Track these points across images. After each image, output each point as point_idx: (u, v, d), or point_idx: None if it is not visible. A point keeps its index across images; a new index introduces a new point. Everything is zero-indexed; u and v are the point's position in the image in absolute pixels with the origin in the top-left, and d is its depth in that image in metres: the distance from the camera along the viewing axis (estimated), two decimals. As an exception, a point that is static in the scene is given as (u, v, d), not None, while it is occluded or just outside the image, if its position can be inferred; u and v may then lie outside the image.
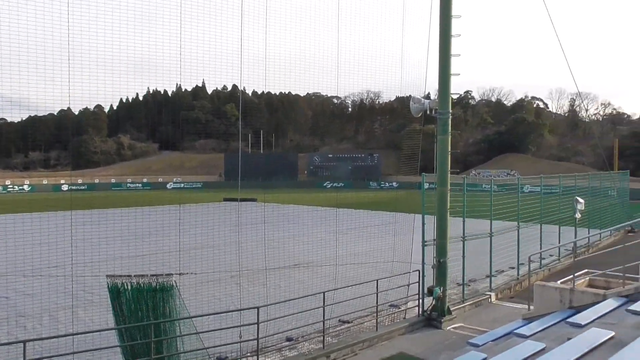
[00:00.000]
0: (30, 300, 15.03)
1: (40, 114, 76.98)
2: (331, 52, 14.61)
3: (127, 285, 10.34)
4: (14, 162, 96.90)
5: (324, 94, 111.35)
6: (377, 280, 12.14)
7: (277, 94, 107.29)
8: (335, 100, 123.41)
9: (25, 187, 76.11)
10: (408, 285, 13.53)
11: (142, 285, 10.38)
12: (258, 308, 9.85)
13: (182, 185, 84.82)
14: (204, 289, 15.57)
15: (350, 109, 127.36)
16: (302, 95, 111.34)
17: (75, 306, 14.15)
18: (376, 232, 27.24)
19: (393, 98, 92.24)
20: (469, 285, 15.85)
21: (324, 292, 11.01)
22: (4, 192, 72.79)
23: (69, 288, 14.57)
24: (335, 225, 24.00)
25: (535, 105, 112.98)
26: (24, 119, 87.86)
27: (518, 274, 17.12)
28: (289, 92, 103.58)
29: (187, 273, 12.74)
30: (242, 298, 14.19)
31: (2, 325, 13.69)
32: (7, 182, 76.14)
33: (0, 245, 17.51)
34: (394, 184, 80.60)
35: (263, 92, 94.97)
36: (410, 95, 13.66)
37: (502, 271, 17.68)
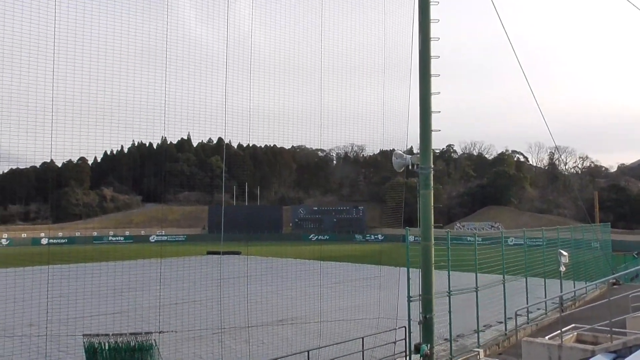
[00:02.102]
0: (0, 361, 14.34)
1: (22, 166, 76.49)
2: (315, 106, 14.92)
3: (104, 344, 9.99)
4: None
5: (309, 146, 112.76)
6: (362, 338, 11.85)
7: (262, 146, 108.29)
8: (320, 153, 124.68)
9: (3, 241, 74.32)
10: (395, 342, 13.23)
11: (119, 344, 10.04)
12: (240, 368, 9.50)
13: (165, 238, 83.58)
14: (185, 347, 15.05)
15: (334, 162, 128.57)
16: (286, 147, 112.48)
17: (48, 367, 13.52)
18: (362, 286, 26.89)
19: (377, 151, 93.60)
20: (457, 341, 15.54)
21: (308, 351, 10.69)
22: (-20, 245, 70.99)
23: (43, 348, 13.97)
24: (320, 279, 23.68)
25: (515, 159, 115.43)
26: (4, 172, 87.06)
27: (506, 329, 16.86)
28: (274, 145, 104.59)
29: (168, 331, 12.35)
30: (224, 356, 13.72)
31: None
32: (-15, 236, 74.45)
33: (-28, 302, 16.87)
34: (379, 236, 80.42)
35: (248, 144, 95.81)
36: (393, 149, 13.86)
37: (490, 326, 17.41)
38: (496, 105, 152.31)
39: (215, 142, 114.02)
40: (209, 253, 50.39)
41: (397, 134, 15.58)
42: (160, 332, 11.52)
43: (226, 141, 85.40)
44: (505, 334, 16.59)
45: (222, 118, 13.12)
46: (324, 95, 14.49)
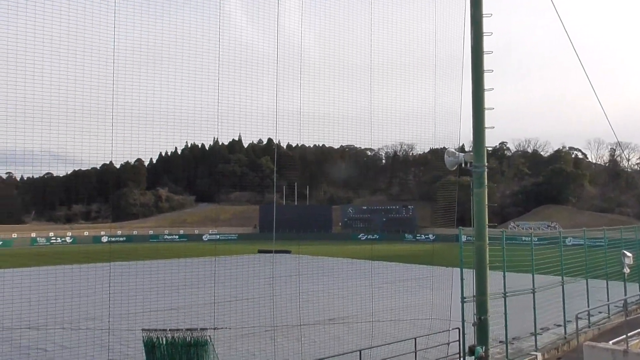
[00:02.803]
0: (68, 352, 15.12)
1: (84, 168, 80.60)
2: (364, 105, 14.87)
3: (162, 339, 10.32)
4: (57, 215, 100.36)
5: (358, 146, 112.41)
6: (415, 339, 11.73)
7: (311, 146, 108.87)
8: (368, 153, 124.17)
9: (68, 238, 78.31)
10: (448, 343, 13.01)
11: (176, 339, 10.35)
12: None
13: (218, 237, 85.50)
14: (239, 343, 15.37)
15: (383, 161, 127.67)
16: (335, 147, 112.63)
17: (110, 359, 14.12)
18: (413, 286, 26.56)
19: (427, 150, 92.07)
20: (512, 343, 15.10)
21: (360, 350, 10.68)
22: (47, 243, 75.02)
23: (105, 341, 14.63)
24: (370, 278, 23.58)
25: (573, 156, 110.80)
26: (68, 173, 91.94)
27: (565, 333, 16.23)
28: (323, 145, 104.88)
29: (222, 328, 12.63)
30: (276, 354, 13.91)
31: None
32: (51, 234, 78.61)
33: (41, 296, 17.86)
34: (430, 236, 79.12)
35: (297, 144, 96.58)
36: (444, 147, 13.63)
37: (548, 329, 16.81)
38: (551, 101, 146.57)
39: (265, 142, 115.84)
40: (260, 252, 51.19)
41: (448, 132, 15.33)
42: (214, 329, 11.81)
43: (276, 141, 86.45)
44: (565, 338, 15.98)
45: (272, 119, 13.32)
46: (374, 94, 14.43)
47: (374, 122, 14.96)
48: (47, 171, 71.84)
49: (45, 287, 17.09)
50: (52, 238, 77.15)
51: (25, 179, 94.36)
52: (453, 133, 15.11)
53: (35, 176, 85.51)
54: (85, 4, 10.99)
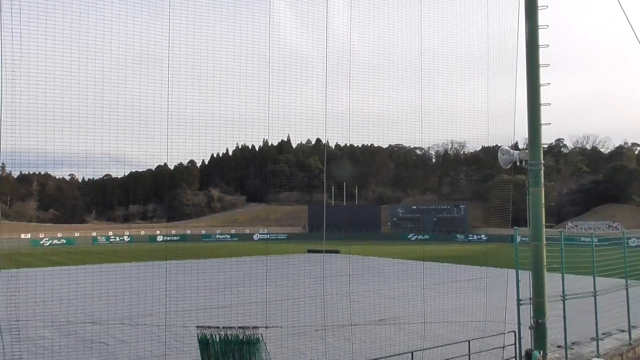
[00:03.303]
0: (127, 347, 15.75)
1: (140, 169, 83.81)
2: (414, 104, 14.68)
3: (215, 336, 10.57)
4: (116, 215, 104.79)
5: (407, 145, 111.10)
6: (469, 341, 11.47)
7: (359, 146, 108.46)
8: (418, 152, 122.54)
9: (125, 237, 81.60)
10: (503, 347, 12.65)
11: (229, 337, 10.57)
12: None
13: (268, 236, 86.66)
14: (290, 342, 15.51)
15: (433, 160, 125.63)
16: (384, 147, 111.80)
17: (167, 355, 14.62)
18: (465, 287, 26.02)
19: (479, 148, 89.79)
20: (572, 348, 14.50)
21: (412, 352, 10.56)
22: (107, 242, 78.50)
23: (162, 336, 15.14)
24: (422, 279, 23.28)
25: (636, 152, 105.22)
26: (126, 174, 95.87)
27: (630, 339, 15.43)
28: (371, 144, 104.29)
29: (274, 326, 12.80)
30: (327, 353, 13.97)
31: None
32: (110, 233, 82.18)
33: (102, 293, 18.69)
34: (483, 236, 77.13)
35: (346, 144, 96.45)
36: (497, 145, 13.24)
37: (610, 334, 16.04)
38: (611, 95, 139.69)
39: (313, 142, 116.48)
40: (309, 251, 51.51)
41: (501, 129, 14.90)
42: (266, 327, 11.99)
43: (324, 141, 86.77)
44: (630, 344, 15.21)
45: (321, 119, 13.40)
46: (424, 92, 14.23)
47: (424, 121, 14.76)
48: (106, 173, 75.46)
49: (107, 284, 17.90)
50: (112, 237, 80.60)
51: (86, 180, 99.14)
52: (506, 130, 14.68)
53: (96, 178, 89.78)
54: (141, 11, 11.44)
